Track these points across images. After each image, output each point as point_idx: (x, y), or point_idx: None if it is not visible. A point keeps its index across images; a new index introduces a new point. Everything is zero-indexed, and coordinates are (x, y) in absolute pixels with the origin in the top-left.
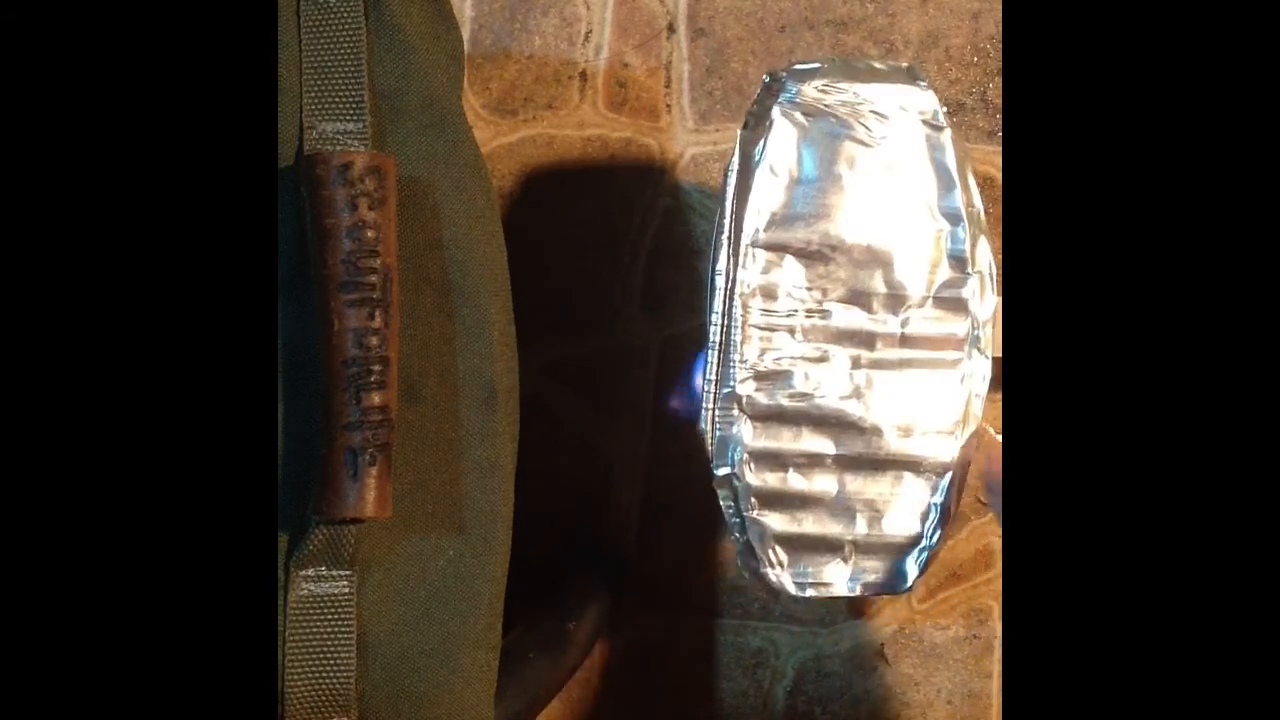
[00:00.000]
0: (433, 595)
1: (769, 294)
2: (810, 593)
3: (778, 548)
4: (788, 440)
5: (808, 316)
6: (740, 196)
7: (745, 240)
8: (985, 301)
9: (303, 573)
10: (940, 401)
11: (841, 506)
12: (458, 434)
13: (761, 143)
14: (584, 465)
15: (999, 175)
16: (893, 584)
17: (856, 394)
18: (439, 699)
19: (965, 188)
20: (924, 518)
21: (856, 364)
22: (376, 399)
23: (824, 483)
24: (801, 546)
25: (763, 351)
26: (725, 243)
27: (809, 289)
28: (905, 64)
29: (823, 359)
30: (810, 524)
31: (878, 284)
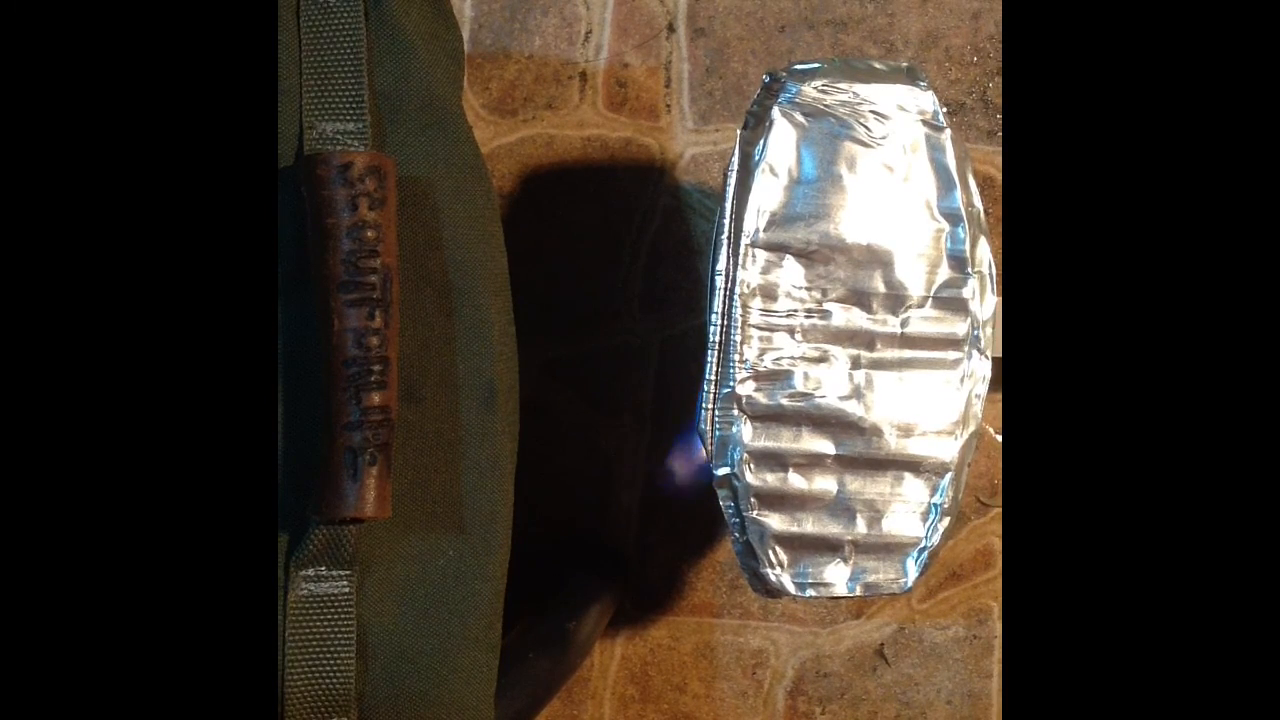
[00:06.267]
0: (432, 595)
1: (769, 294)
2: (810, 593)
3: (778, 548)
4: (788, 440)
5: (807, 316)
6: (740, 196)
7: (745, 240)
8: (985, 301)
9: (303, 573)
10: (940, 401)
11: (841, 506)
12: (458, 434)
13: (761, 143)
14: (584, 465)
15: (999, 175)
16: (893, 584)
17: (856, 394)
18: (439, 699)
19: (965, 188)
20: (924, 518)
21: (856, 364)
22: (376, 399)
23: (824, 483)
24: (801, 546)
25: (762, 352)
26: (725, 243)
27: (809, 289)
28: (905, 64)
29: (822, 359)
30: (810, 524)
31: (878, 284)
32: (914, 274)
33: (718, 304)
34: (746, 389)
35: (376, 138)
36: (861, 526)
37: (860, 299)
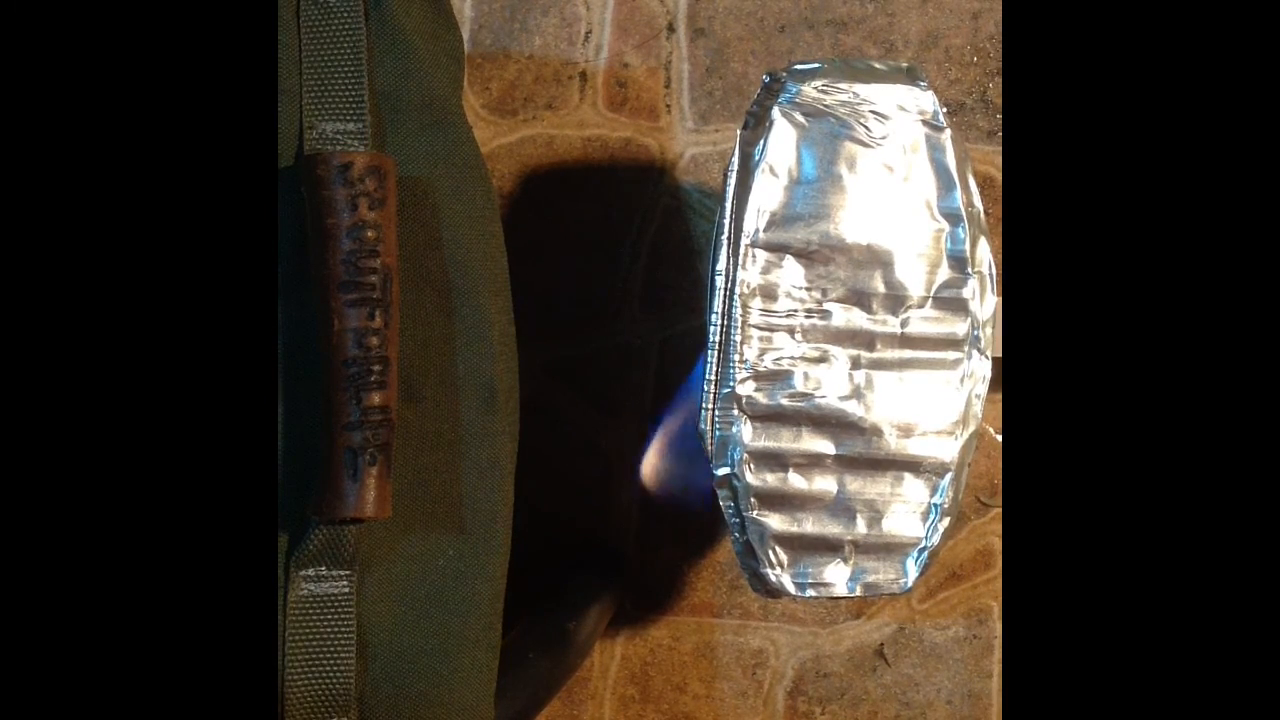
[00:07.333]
0: (432, 595)
1: (769, 294)
2: (810, 593)
3: (778, 548)
4: (788, 440)
5: (807, 317)
6: (740, 196)
7: (745, 240)
8: (985, 301)
9: (303, 573)
10: (940, 401)
11: (841, 507)
12: (458, 434)
13: (761, 143)
14: (584, 465)
15: (999, 175)
16: (893, 584)
17: (856, 394)
18: (438, 699)
19: (965, 188)
20: (924, 518)
21: (856, 364)
22: (376, 399)
23: (824, 483)
24: (801, 546)
25: (762, 352)
26: (725, 243)
27: (809, 289)
28: (905, 64)
29: (823, 359)
30: (810, 524)
31: (878, 284)
32: (914, 274)
33: (718, 304)
34: (746, 389)
35: (376, 138)
36: (861, 526)
37: (860, 299)
